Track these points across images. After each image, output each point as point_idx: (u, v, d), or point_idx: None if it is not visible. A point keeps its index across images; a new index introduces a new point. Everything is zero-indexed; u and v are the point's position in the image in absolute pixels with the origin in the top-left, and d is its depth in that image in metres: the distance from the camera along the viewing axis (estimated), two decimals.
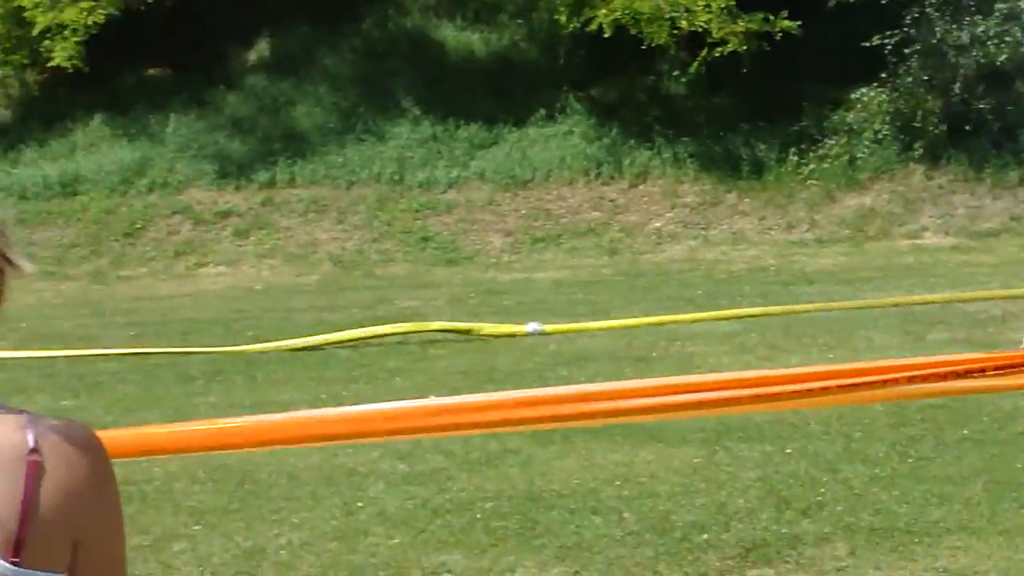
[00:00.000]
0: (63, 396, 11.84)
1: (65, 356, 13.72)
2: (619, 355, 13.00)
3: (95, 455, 2.03)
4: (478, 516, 7.71)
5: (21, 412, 2.00)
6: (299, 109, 25.67)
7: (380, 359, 13.22)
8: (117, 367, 13.44)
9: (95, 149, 25.48)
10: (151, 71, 26.99)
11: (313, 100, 25.77)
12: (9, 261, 1.96)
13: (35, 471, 1.95)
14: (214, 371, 12.93)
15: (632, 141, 24.24)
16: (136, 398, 11.87)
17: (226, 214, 23.58)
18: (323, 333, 14.70)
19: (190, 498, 8.21)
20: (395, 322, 15.51)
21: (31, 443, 1.96)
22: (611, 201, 23.54)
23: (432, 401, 8.40)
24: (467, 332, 14.43)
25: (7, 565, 1.92)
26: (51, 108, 26.66)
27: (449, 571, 6.80)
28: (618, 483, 8.34)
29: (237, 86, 26.34)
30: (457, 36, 26.94)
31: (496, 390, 11.21)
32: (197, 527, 7.64)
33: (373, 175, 24.00)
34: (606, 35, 22.97)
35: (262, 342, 14.33)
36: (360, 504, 8.04)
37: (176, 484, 8.39)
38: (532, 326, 14.47)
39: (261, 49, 27.36)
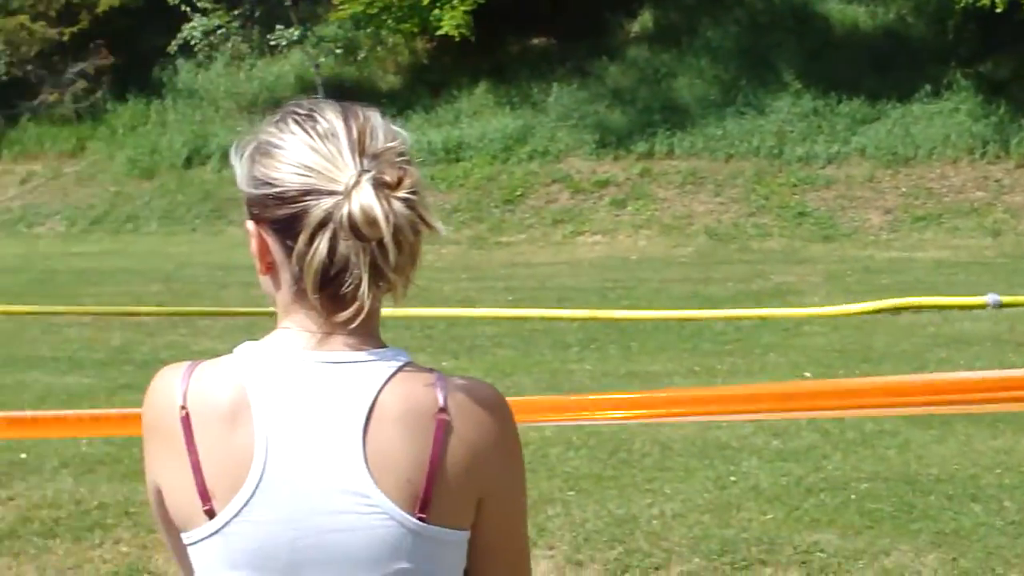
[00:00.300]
0: (442, 357, 12.13)
1: (445, 317, 14.09)
2: (1002, 339, 12.60)
3: (501, 415, 2.07)
4: (853, 497, 7.59)
5: (430, 371, 2.05)
6: (680, 81, 25.66)
7: (755, 334, 13.12)
8: (494, 331, 13.70)
9: (479, 116, 26.01)
10: (535, 41, 27.39)
11: (694, 72, 25.73)
12: (426, 223, 2.00)
13: (443, 430, 2.00)
14: (588, 339, 13.05)
15: (1022, 120, 23.40)
16: (513, 362, 12.08)
17: (604, 184, 23.75)
18: (698, 306, 14.71)
19: (565, 464, 8.31)
20: (769, 297, 15.41)
21: (440, 402, 2.00)
22: (996, 181, 22.78)
23: (808, 380, 8.31)
24: (921, 308, 14.18)
25: (414, 521, 1.97)
26: (438, 76, 27.35)
27: (822, 550, 6.71)
28: (999, 471, 8.09)
29: (619, 57, 26.49)
30: (842, 9, 26.48)
31: (871, 370, 11.03)
32: (571, 493, 7.74)
33: (752, 148, 23.81)
34: (998, 10, 22.20)
35: (636, 311, 14.40)
36: (733, 478, 8.01)
37: (552, 449, 8.51)
38: (991, 297, 14.22)
39: (644, 20, 27.45)
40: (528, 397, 7.08)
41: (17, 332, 14.64)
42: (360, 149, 2.00)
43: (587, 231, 22.81)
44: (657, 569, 6.61)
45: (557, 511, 7.37)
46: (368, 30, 27.13)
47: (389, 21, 26.09)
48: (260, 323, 12.89)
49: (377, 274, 1.97)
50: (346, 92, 25.77)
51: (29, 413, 8.88)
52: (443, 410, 2.00)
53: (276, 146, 2.03)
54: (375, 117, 2.07)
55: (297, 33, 27.50)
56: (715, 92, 25.15)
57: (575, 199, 23.62)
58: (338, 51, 27.98)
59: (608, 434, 8.85)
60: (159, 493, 2.12)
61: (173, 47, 28.39)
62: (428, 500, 1.98)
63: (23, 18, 29.79)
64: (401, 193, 1.97)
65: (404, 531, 1.97)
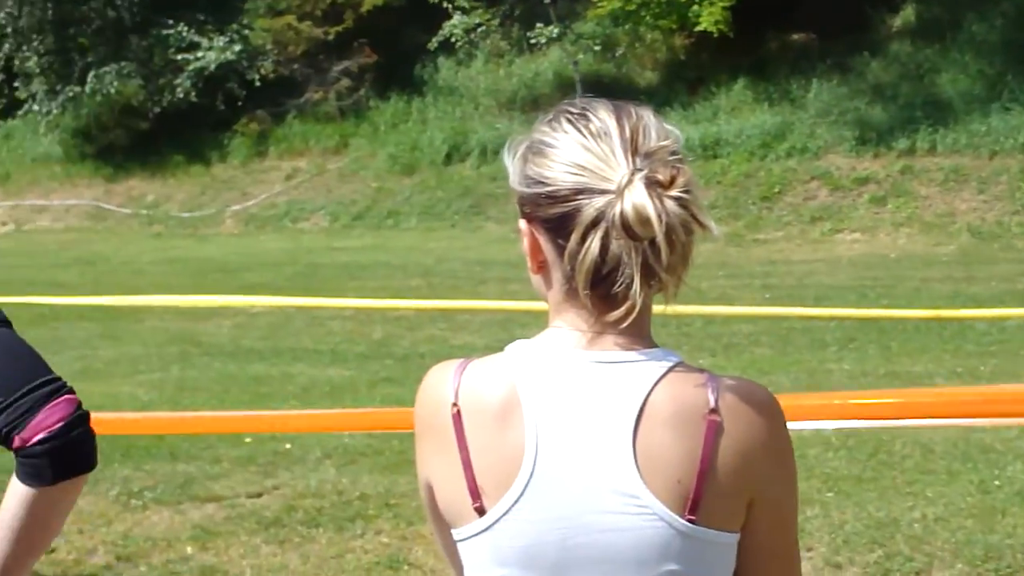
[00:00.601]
0: (699, 355, 12.08)
1: (702, 315, 14.02)
2: None
3: (772, 416, 2.04)
4: None
5: (701, 371, 2.04)
6: (943, 76, 25.11)
7: (1020, 335, 12.73)
8: (751, 329, 13.59)
9: (737, 113, 25.85)
10: (795, 36, 27.11)
11: (958, 67, 25.14)
12: (699, 222, 1.99)
13: (714, 430, 1.98)
14: (847, 338, 12.85)
15: None
16: (770, 361, 11.97)
17: (864, 181, 23.39)
18: (960, 306, 14.38)
19: (824, 465, 8.21)
20: None
21: (711, 402, 1.99)
22: None
23: None
24: None
25: (684, 523, 1.96)
26: (696, 72, 27.26)
27: None
28: None
29: (881, 52, 26.05)
30: None
31: None
32: (830, 494, 7.64)
33: (1017, 145, 23.16)
34: None
35: (896, 309, 14.14)
36: (997, 483, 7.80)
37: (810, 450, 8.41)
38: None
39: (907, 15, 26.95)
40: (788, 394, 7.02)
41: (282, 325, 15.03)
42: (633, 148, 1.99)
43: (846, 228, 22.50)
44: (918, 574, 6.49)
45: (815, 512, 7.28)
46: (626, 27, 27.17)
47: (647, 17, 26.10)
48: (517, 318, 13.02)
49: (649, 273, 1.96)
50: (604, 89, 25.83)
51: (295, 412, 9.13)
52: (714, 411, 1.98)
53: (549, 145, 2.04)
54: (648, 115, 2.05)
55: (556, 31, 27.66)
56: (979, 87, 24.55)
57: (834, 196, 23.32)
58: (596, 48, 28.06)
59: (867, 435, 8.71)
60: (430, 489, 2.15)
61: (434, 44, 28.80)
62: (698, 501, 1.96)
63: (290, 18, 30.56)
64: (674, 192, 1.95)
65: (673, 532, 1.96)
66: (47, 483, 2.41)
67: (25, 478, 2.43)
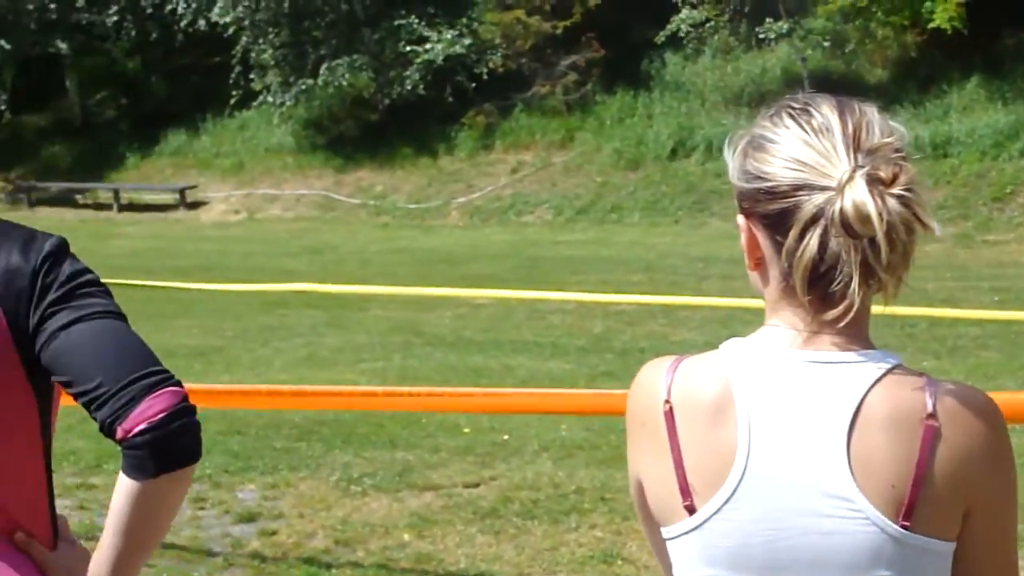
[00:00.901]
0: (923, 357, 11.86)
1: (927, 316, 13.75)
2: None
3: (992, 423, 1.99)
4: None
5: (920, 374, 1.99)
6: None
7: None
8: (978, 332, 13.28)
9: (969, 112, 25.27)
10: None
11: None
12: (921, 221, 1.94)
13: (931, 436, 1.94)
14: None
15: None
16: (996, 365, 11.71)
17: None
18: None
19: None
20: None
21: (929, 407, 1.94)
22: None
23: None
24: None
25: (897, 528, 1.92)
26: (927, 70, 26.71)
27: None
28: None
29: None
30: None
31: None
32: None
33: None
34: None
35: None
36: None
37: None
38: None
39: None
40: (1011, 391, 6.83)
41: (504, 317, 15.12)
42: (855, 144, 1.96)
43: None
44: None
45: None
46: (857, 23, 26.78)
47: (879, 13, 25.68)
48: (738, 316, 12.91)
49: (868, 273, 1.93)
50: (832, 85, 25.46)
51: (513, 390, 9.18)
52: (932, 416, 1.94)
53: (769, 140, 2.01)
54: (871, 112, 2.02)
55: (785, 26, 27.36)
56: None
57: None
58: (826, 44, 27.70)
59: None
60: (640, 486, 2.13)
61: (661, 39, 28.70)
62: (912, 507, 1.92)
63: (519, 13, 30.70)
64: (896, 190, 1.92)
65: (886, 538, 1.92)
66: (150, 475, 2.37)
67: (129, 471, 2.39)
